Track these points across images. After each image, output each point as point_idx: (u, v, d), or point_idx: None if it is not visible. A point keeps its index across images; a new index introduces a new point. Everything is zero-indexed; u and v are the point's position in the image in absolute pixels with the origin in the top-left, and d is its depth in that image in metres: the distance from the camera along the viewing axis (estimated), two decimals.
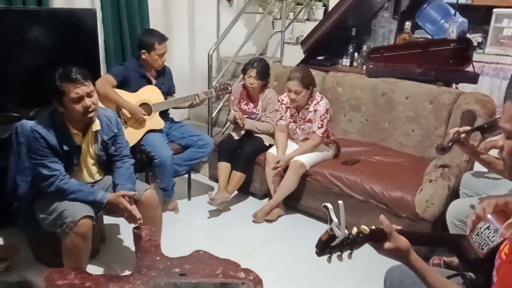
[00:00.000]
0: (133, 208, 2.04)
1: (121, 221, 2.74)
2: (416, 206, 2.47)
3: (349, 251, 1.16)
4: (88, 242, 1.96)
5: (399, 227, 1.23)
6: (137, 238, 2.02)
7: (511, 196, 1.72)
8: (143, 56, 2.92)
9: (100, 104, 2.21)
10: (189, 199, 3.27)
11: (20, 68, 2.72)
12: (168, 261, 1.76)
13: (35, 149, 1.94)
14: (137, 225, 2.06)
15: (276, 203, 2.96)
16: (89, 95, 1.97)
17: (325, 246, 1.12)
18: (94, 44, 3.05)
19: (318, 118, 2.92)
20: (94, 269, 2.29)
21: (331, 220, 1.09)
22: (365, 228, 1.15)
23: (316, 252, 1.14)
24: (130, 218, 2.06)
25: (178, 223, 2.93)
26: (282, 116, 3.07)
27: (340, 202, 1.09)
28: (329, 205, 1.10)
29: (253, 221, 2.94)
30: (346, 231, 1.11)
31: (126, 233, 2.72)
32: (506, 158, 1.11)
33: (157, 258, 1.78)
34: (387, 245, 1.17)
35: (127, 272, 2.17)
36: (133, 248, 2.27)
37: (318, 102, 2.94)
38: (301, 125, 3.02)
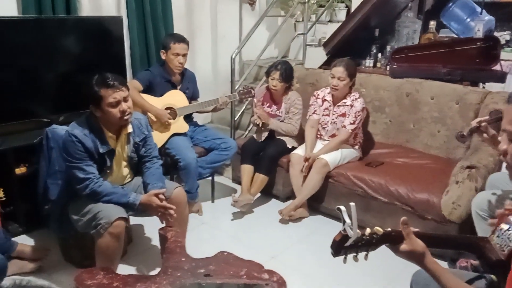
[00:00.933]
0: (166, 204, 2.08)
1: (145, 221, 2.82)
2: (442, 208, 2.42)
3: (365, 252, 1.17)
4: (121, 243, 2.03)
5: (416, 230, 1.23)
6: (162, 239, 2.06)
7: None
8: (163, 57, 3.01)
9: None
10: (213, 201, 3.31)
11: (50, 75, 2.82)
12: (193, 262, 1.79)
13: (72, 152, 2.01)
14: (167, 224, 2.10)
15: (300, 202, 2.96)
16: (125, 99, 2.04)
17: (339, 247, 1.14)
18: (120, 50, 3.14)
19: (353, 113, 2.95)
20: (121, 270, 2.34)
21: (344, 221, 1.11)
22: (379, 229, 1.16)
23: (332, 253, 1.16)
24: (163, 216, 2.10)
25: (202, 225, 2.97)
26: (315, 111, 3.10)
27: (352, 203, 1.11)
28: (342, 207, 1.13)
29: (280, 217, 2.94)
30: (359, 232, 1.13)
31: (151, 233, 2.78)
32: (510, 161, 1.09)
33: (183, 259, 1.81)
34: (403, 247, 1.18)
35: (153, 273, 2.21)
36: (158, 249, 2.32)
37: (356, 98, 2.99)
38: (334, 119, 3.03)
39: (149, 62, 3.62)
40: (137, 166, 2.33)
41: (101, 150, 2.07)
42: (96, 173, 2.06)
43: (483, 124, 1.92)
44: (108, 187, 2.07)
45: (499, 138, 1.14)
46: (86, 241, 2.26)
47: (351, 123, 2.95)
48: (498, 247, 1.23)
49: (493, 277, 1.29)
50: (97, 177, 2.06)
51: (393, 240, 1.18)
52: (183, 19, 4.06)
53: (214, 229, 2.94)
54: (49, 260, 2.41)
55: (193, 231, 2.76)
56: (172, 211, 2.07)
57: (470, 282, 1.33)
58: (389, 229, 1.18)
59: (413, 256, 1.18)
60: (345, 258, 1.16)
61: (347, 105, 2.99)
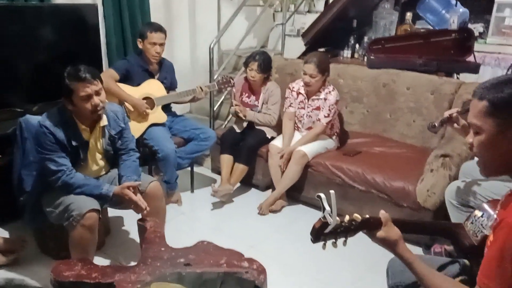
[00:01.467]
0: (139, 198, 2.07)
1: (125, 213, 2.79)
2: (418, 195, 2.49)
3: (344, 238, 1.20)
4: (94, 235, 2.00)
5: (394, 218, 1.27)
6: (141, 229, 2.05)
7: None
8: (140, 46, 2.97)
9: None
10: (192, 191, 3.30)
11: (23, 64, 2.75)
12: (173, 251, 1.79)
13: (43, 143, 1.97)
14: (143, 215, 2.09)
15: (279, 194, 2.99)
16: (97, 93, 2.00)
17: (319, 233, 1.17)
18: (96, 39, 3.07)
19: (327, 107, 2.96)
20: (99, 261, 2.32)
21: (324, 209, 1.14)
22: (357, 216, 1.19)
23: (311, 239, 1.19)
24: (137, 208, 2.09)
25: (181, 216, 2.96)
26: (291, 103, 3.11)
27: (332, 191, 1.14)
28: (322, 195, 1.15)
29: (259, 213, 2.97)
30: (338, 219, 1.16)
31: (130, 225, 2.76)
32: (477, 153, 1.14)
33: (162, 248, 1.81)
34: (379, 233, 1.21)
35: (132, 263, 2.19)
36: (137, 240, 2.31)
37: (329, 91, 2.99)
38: (309, 112, 3.05)
39: (125, 51, 3.56)
40: (114, 159, 2.30)
41: (73, 143, 2.04)
42: (68, 165, 2.03)
43: (454, 115, 1.98)
44: (80, 178, 2.04)
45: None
46: (62, 232, 2.22)
47: (325, 116, 2.97)
48: (471, 233, 1.28)
49: (466, 261, 1.33)
50: (70, 169, 2.02)
51: (370, 226, 1.22)
52: (161, 8, 3.99)
53: (194, 219, 2.94)
54: (25, 252, 2.37)
55: (172, 221, 2.75)
56: (143, 206, 2.06)
57: (443, 267, 1.38)
58: (367, 216, 1.22)
59: (387, 243, 1.22)
60: (325, 244, 1.19)
61: (321, 99, 2.99)
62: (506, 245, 0.99)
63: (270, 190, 3.19)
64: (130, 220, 2.76)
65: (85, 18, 2.99)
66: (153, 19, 3.65)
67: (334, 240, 1.20)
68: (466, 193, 2.08)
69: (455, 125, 2.04)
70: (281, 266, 2.41)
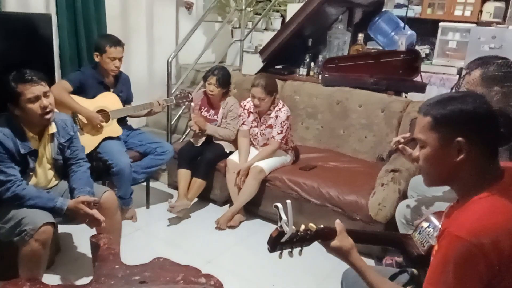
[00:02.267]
0: (95, 212, 2.01)
1: (74, 230, 2.70)
2: (370, 209, 2.58)
3: (299, 248, 1.24)
4: (47, 250, 1.92)
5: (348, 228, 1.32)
6: (94, 247, 1.98)
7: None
8: (97, 59, 2.91)
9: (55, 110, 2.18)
10: (148, 207, 3.24)
11: None
12: (127, 269, 1.74)
13: None
14: (98, 230, 2.03)
15: (237, 209, 2.99)
16: (45, 95, 1.95)
17: (276, 243, 1.20)
18: (49, 50, 2.96)
19: (279, 124, 3.01)
20: (49, 280, 2.18)
21: (281, 218, 1.18)
22: (312, 226, 1.24)
23: (268, 249, 1.23)
24: (92, 223, 2.03)
25: (136, 232, 2.89)
26: (244, 121, 3.14)
27: (288, 201, 1.18)
28: (279, 205, 1.20)
29: (216, 227, 2.95)
30: (294, 228, 1.20)
31: (80, 242, 2.66)
32: (422, 166, 1.21)
33: (116, 266, 1.76)
34: (333, 243, 1.26)
35: (83, 282, 2.12)
36: (88, 257, 2.23)
37: (280, 109, 3.04)
38: (262, 130, 3.09)
39: (80, 62, 3.47)
40: (63, 169, 2.23)
41: (22, 151, 1.96)
42: (18, 175, 1.95)
43: (400, 146, 2.08)
44: (32, 190, 1.97)
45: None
46: (8, 250, 2.11)
47: (278, 133, 3.02)
48: (419, 243, 1.36)
49: (414, 270, 1.41)
50: (20, 179, 1.95)
51: (325, 236, 1.26)
52: (117, 19, 3.95)
53: (149, 236, 2.88)
54: None
55: (127, 237, 2.69)
56: (101, 219, 2.01)
57: (394, 276, 1.45)
58: (322, 226, 1.26)
59: (341, 252, 1.27)
60: (281, 253, 1.23)
61: (272, 117, 3.04)
62: (448, 253, 1.06)
63: (228, 205, 3.20)
64: (80, 237, 2.67)
65: (37, 28, 2.88)
66: (109, 30, 3.60)
67: (290, 250, 1.24)
68: (415, 213, 2.18)
69: (404, 153, 2.13)
70: (238, 279, 2.41)
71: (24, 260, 1.89)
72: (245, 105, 3.15)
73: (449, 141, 1.11)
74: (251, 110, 3.11)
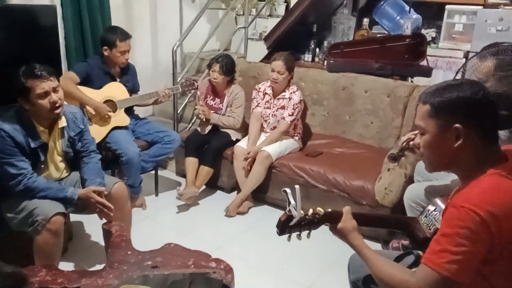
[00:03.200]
0: (105, 201, 2.05)
1: (86, 218, 2.75)
2: (376, 193, 2.61)
3: (307, 231, 1.28)
4: (60, 239, 1.97)
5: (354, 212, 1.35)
6: (107, 234, 2.03)
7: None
8: (106, 53, 2.91)
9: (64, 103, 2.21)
10: (157, 195, 3.29)
11: None
12: (139, 255, 1.79)
13: (2, 148, 1.92)
14: (107, 220, 2.07)
15: (245, 195, 3.03)
16: (55, 90, 1.97)
17: (284, 226, 1.24)
18: (54, 41, 2.98)
19: (291, 106, 3.06)
20: (63, 267, 2.25)
21: (289, 203, 1.21)
22: (320, 210, 1.28)
23: (277, 232, 1.27)
24: (102, 212, 2.07)
25: (146, 219, 2.94)
26: (258, 103, 3.17)
27: (297, 186, 1.21)
28: (287, 189, 1.24)
29: (226, 215, 3.00)
30: (302, 212, 1.24)
31: (92, 230, 2.72)
32: (423, 153, 1.25)
33: (129, 252, 1.80)
34: (339, 225, 1.30)
35: (96, 268, 2.17)
36: (100, 245, 2.28)
37: (294, 91, 3.10)
38: (274, 111, 3.12)
39: (85, 53, 3.48)
40: (74, 161, 2.26)
41: (32, 145, 2.00)
42: (29, 168, 1.99)
43: (411, 143, 2.08)
44: (43, 182, 2.01)
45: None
46: (22, 240, 2.17)
47: (289, 115, 3.06)
48: (425, 226, 1.38)
49: (420, 252, 1.43)
50: (30, 172, 1.98)
51: (332, 219, 1.30)
52: (121, 8, 3.95)
53: (159, 223, 2.93)
54: None
55: (137, 225, 2.73)
56: (111, 208, 2.05)
57: (400, 258, 1.47)
58: (329, 210, 1.29)
59: (342, 233, 1.30)
60: (289, 236, 1.27)
61: (286, 98, 3.10)
62: (452, 223, 1.08)
63: (236, 192, 3.23)
64: (91, 225, 2.73)
65: (43, 20, 2.91)
66: (114, 20, 3.61)
67: (298, 233, 1.28)
68: (423, 196, 2.19)
69: (415, 151, 2.13)
70: (247, 265, 2.45)
71: (38, 249, 1.94)
72: (259, 88, 3.22)
73: (447, 128, 1.15)
74: (266, 91, 3.17)
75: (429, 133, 1.20)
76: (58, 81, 2.02)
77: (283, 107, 3.10)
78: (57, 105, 1.98)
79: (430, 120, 1.18)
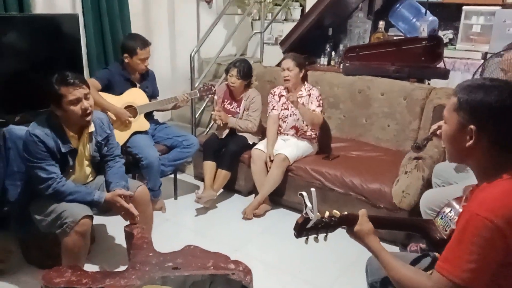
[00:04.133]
0: (130, 206, 2.12)
1: (107, 220, 2.83)
2: (393, 196, 2.61)
3: (324, 234, 1.30)
4: (87, 241, 2.05)
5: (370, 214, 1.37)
6: (128, 236, 2.09)
7: None
8: (126, 60, 2.99)
9: None
10: (176, 198, 3.35)
11: (4, 74, 2.74)
12: (161, 256, 1.84)
13: (33, 152, 1.99)
14: (132, 222, 2.13)
15: (263, 198, 3.06)
16: (86, 97, 2.06)
17: (301, 229, 1.27)
18: (77, 49, 3.08)
19: (315, 99, 3.12)
20: (87, 268, 2.32)
21: (306, 205, 1.24)
22: (336, 213, 1.30)
23: (294, 234, 1.29)
24: (127, 215, 2.13)
25: (166, 222, 3.00)
26: (274, 107, 3.22)
27: (313, 189, 1.24)
28: (304, 193, 1.27)
29: (243, 218, 3.03)
30: (319, 215, 1.27)
31: (113, 232, 2.79)
32: (444, 143, 1.27)
33: (150, 254, 1.86)
34: (355, 228, 1.32)
35: (119, 270, 2.23)
36: (122, 247, 2.34)
37: (311, 88, 3.17)
38: (293, 111, 3.16)
39: (106, 60, 3.58)
40: (100, 165, 2.34)
41: (63, 150, 2.07)
42: (58, 172, 2.06)
43: (439, 132, 2.08)
44: (71, 186, 2.08)
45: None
46: (47, 241, 2.25)
47: (317, 106, 3.12)
48: (441, 228, 1.39)
49: (437, 254, 1.44)
50: (60, 176, 2.06)
51: (349, 222, 1.32)
52: (140, 16, 4.04)
53: (178, 226, 2.99)
54: (10, 263, 2.37)
55: (157, 228, 2.78)
56: (135, 214, 2.11)
57: (417, 260, 1.49)
58: (346, 213, 1.32)
59: (359, 235, 1.32)
60: (307, 239, 1.29)
61: (304, 96, 3.13)
62: (466, 230, 1.09)
63: (253, 195, 3.27)
64: (113, 227, 2.80)
65: (66, 28, 3.00)
66: (133, 27, 3.70)
67: (315, 235, 1.30)
68: (439, 202, 2.19)
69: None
70: (265, 267, 2.48)
71: (67, 250, 2.01)
72: (274, 92, 3.27)
73: (464, 126, 1.17)
74: (282, 94, 3.21)
75: (449, 125, 1.22)
76: (89, 88, 2.09)
77: (302, 105, 3.13)
78: (87, 111, 2.06)
79: (453, 114, 1.20)
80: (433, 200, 2.19)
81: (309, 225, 1.26)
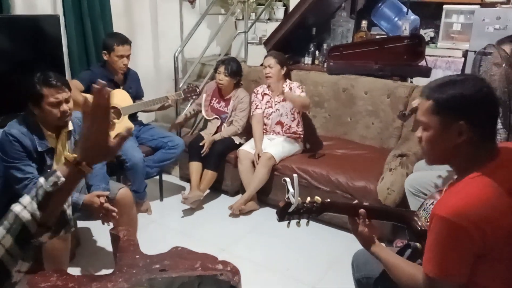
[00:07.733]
0: (108, 204, 2.08)
1: (92, 224, 2.79)
2: (379, 193, 2.64)
3: (306, 219, 1.32)
4: (68, 244, 2.02)
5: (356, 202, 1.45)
6: (114, 239, 2.06)
7: None
8: (105, 58, 2.98)
9: None
10: (161, 200, 3.33)
11: None
12: (147, 258, 1.82)
13: (9, 152, 1.97)
14: (113, 224, 2.11)
15: (249, 196, 3.07)
16: (66, 100, 2.03)
17: (283, 212, 1.30)
18: (58, 50, 3.04)
19: (296, 88, 3.17)
20: (71, 272, 2.30)
21: (288, 190, 1.26)
22: (318, 199, 1.33)
23: (276, 218, 1.32)
24: (105, 217, 2.10)
25: (152, 224, 2.98)
26: (257, 106, 3.23)
27: (295, 175, 1.27)
28: (287, 179, 1.31)
29: (230, 213, 3.03)
30: (300, 199, 1.30)
31: (98, 236, 2.76)
32: (424, 147, 1.27)
33: (137, 256, 1.84)
34: (361, 228, 1.36)
35: (104, 273, 2.20)
36: (107, 250, 2.31)
37: (291, 83, 3.22)
38: (278, 108, 3.19)
39: (88, 61, 3.53)
40: None
41: (39, 149, 2.05)
42: (35, 172, 2.03)
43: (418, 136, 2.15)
44: None
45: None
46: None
47: (301, 92, 3.15)
48: (423, 219, 1.42)
49: (418, 245, 1.47)
50: (36, 176, 2.02)
51: (330, 209, 1.36)
52: (122, 16, 3.99)
53: (165, 227, 2.97)
54: None
55: (143, 230, 2.76)
56: (114, 213, 2.07)
57: (401, 252, 1.51)
58: (328, 200, 1.35)
59: (364, 240, 1.37)
60: (289, 223, 1.32)
61: (286, 91, 3.14)
62: (437, 234, 1.14)
63: (240, 195, 3.27)
64: (98, 231, 2.76)
65: (47, 29, 2.96)
66: (115, 27, 3.65)
67: (297, 220, 1.32)
68: (421, 182, 2.27)
69: None
70: (253, 266, 2.49)
71: (48, 255, 1.98)
72: (257, 90, 3.28)
73: (450, 124, 1.17)
74: (265, 92, 3.24)
75: (431, 128, 1.20)
76: (70, 92, 2.07)
77: (284, 100, 3.15)
78: (66, 114, 2.04)
79: (433, 116, 1.19)
80: (418, 180, 2.28)
81: (290, 209, 1.28)
